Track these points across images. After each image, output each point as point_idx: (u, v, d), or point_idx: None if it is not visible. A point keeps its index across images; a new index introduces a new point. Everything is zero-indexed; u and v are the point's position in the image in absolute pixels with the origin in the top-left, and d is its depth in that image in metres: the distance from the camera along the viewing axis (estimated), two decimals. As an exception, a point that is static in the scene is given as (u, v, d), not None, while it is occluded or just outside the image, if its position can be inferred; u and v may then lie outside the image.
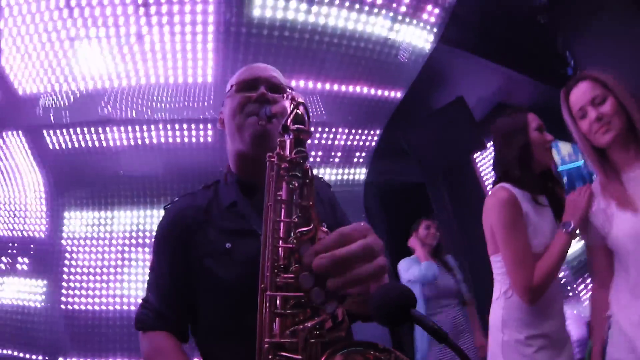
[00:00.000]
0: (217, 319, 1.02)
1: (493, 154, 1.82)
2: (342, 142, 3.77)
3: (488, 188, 4.97)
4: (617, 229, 1.48)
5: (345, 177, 3.85)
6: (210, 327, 1.05)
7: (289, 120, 0.76)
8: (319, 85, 3.36)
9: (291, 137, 0.74)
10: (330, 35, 3.10)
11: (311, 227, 0.68)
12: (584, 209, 1.56)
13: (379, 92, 3.65)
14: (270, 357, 0.64)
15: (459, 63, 3.94)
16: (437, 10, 3.31)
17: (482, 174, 5.22)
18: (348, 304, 0.67)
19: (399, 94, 3.75)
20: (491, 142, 2.09)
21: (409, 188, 5.37)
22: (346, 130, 3.72)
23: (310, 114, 0.78)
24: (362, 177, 3.99)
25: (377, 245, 0.64)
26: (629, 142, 1.49)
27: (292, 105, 0.77)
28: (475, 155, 5.15)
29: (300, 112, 0.76)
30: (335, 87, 3.44)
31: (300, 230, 0.67)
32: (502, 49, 3.77)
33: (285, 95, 0.83)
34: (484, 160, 5.22)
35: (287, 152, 0.74)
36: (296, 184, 0.70)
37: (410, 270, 3.24)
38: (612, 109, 1.47)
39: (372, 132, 3.89)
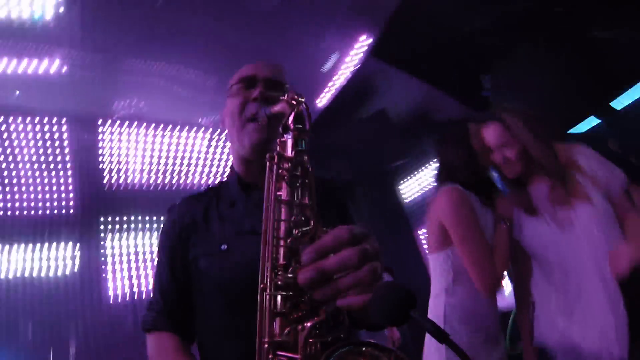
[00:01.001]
0: (212, 320, 1.01)
1: (437, 160, 1.94)
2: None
3: (406, 197, 5.19)
4: (526, 233, 1.68)
5: None
6: (205, 328, 1.04)
7: (289, 120, 0.76)
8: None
9: (291, 136, 0.75)
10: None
11: (311, 226, 0.68)
12: (513, 210, 1.72)
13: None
14: (270, 356, 0.64)
15: (385, 76, 4.10)
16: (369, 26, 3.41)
17: (400, 185, 5.40)
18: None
19: (323, 102, 3.85)
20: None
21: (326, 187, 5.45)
22: None
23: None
24: None
25: (366, 252, 0.62)
26: (534, 170, 1.68)
27: (292, 104, 0.78)
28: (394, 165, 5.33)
29: (300, 112, 0.77)
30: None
31: (300, 229, 0.68)
32: (427, 66, 3.99)
33: (285, 95, 0.82)
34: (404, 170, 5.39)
35: (288, 152, 0.74)
36: (296, 184, 0.71)
37: None
38: (515, 156, 1.66)
39: None
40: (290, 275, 0.66)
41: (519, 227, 1.70)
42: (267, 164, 0.75)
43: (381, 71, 3.91)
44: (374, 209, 5.33)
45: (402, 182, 5.42)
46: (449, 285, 1.72)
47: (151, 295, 1.13)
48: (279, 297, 0.67)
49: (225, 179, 1.21)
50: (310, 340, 0.64)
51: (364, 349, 0.63)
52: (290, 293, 0.66)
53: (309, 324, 0.64)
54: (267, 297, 0.67)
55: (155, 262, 1.15)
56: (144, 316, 1.10)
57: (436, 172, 1.92)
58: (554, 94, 3.57)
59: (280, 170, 0.73)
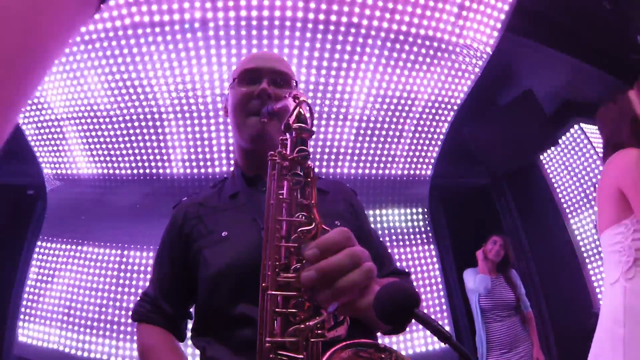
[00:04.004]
0: (216, 308, 0.99)
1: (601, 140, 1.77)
2: (408, 140, 3.74)
3: (558, 190, 4.73)
4: None
5: (410, 179, 3.87)
6: (209, 318, 1.02)
7: (291, 119, 0.77)
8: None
9: (293, 135, 0.76)
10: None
11: (313, 226, 0.69)
12: None
13: (445, 87, 3.58)
14: (271, 356, 0.66)
15: (524, 53, 3.77)
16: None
17: (551, 175, 4.86)
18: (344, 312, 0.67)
19: (465, 89, 3.67)
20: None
21: (475, 192, 5.21)
22: (412, 128, 3.70)
23: (314, 112, 0.81)
24: (427, 179, 4.00)
25: (362, 252, 0.66)
26: None
27: (294, 103, 0.79)
28: (544, 155, 4.86)
29: (302, 111, 0.77)
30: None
31: (302, 229, 0.69)
32: (567, 39, 3.59)
33: (288, 92, 0.84)
34: (553, 160, 4.87)
35: (289, 151, 0.75)
36: (298, 183, 0.72)
37: (468, 280, 3.59)
38: None
39: (437, 130, 3.84)
40: (292, 274, 0.68)
41: None
42: (269, 162, 0.77)
43: (519, 48, 3.59)
44: (521, 206, 4.91)
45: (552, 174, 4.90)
46: (630, 266, 1.46)
47: (147, 287, 1.16)
48: (279, 297, 0.68)
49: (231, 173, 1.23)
50: (312, 340, 0.66)
51: (364, 349, 0.65)
52: (292, 293, 0.68)
53: (310, 324, 0.65)
54: (269, 296, 0.69)
55: (156, 255, 1.17)
56: (136, 306, 1.14)
57: (602, 150, 1.74)
58: None
59: (282, 170, 0.75)
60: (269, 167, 0.77)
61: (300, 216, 0.70)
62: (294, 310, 0.66)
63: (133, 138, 3.29)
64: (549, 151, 4.75)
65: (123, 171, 3.40)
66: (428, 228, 3.92)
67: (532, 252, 4.79)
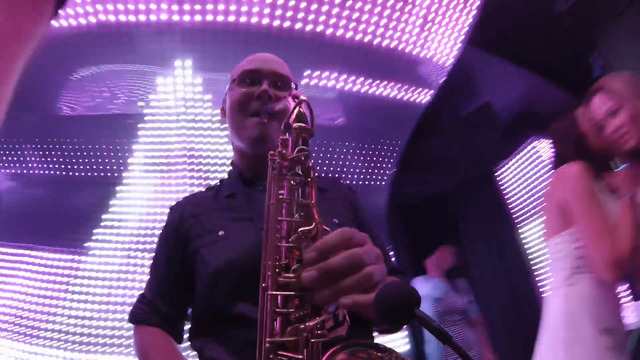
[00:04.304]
0: (215, 308, 0.96)
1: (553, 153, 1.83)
2: (369, 150, 3.83)
3: (511, 201, 4.89)
4: None
5: (367, 188, 3.92)
6: (208, 318, 0.99)
7: (291, 119, 0.76)
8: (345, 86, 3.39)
9: (293, 135, 0.75)
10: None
11: (312, 226, 0.69)
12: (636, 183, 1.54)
13: (406, 96, 3.64)
14: (271, 356, 0.66)
15: (484, 67, 3.90)
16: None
17: (507, 185, 5.06)
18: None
19: (427, 98, 3.74)
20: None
21: (434, 200, 5.32)
22: (372, 137, 3.79)
23: (313, 112, 0.79)
24: (386, 188, 4.05)
25: (368, 254, 0.66)
26: None
27: (294, 103, 0.78)
28: (498, 167, 5.04)
29: (302, 110, 0.77)
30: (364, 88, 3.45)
31: (301, 229, 0.69)
32: (526, 54, 3.74)
33: (287, 93, 0.85)
34: (509, 171, 5.06)
35: (289, 151, 0.75)
36: (298, 183, 0.72)
37: (420, 288, 3.59)
38: (628, 118, 1.49)
39: (397, 140, 3.91)
40: (292, 274, 0.68)
41: None
42: (269, 162, 0.76)
43: (480, 61, 3.71)
44: (481, 216, 5.06)
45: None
46: (570, 274, 1.53)
47: (144, 289, 1.13)
48: (280, 297, 0.68)
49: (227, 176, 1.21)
50: (312, 341, 0.66)
51: (364, 349, 0.65)
52: (292, 293, 0.67)
53: (310, 324, 0.65)
54: (269, 296, 0.68)
55: (153, 258, 1.15)
56: (134, 308, 1.11)
57: (552, 164, 1.81)
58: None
59: (282, 170, 0.75)
60: (269, 166, 0.76)
61: (300, 216, 0.70)
62: (293, 310, 0.66)
63: (91, 140, 3.20)
64: (505, 162, 4.92)
65: (79, 173, 3.30)
66: (387, 236, 3.97)
67: (490, 259, 4.94)
